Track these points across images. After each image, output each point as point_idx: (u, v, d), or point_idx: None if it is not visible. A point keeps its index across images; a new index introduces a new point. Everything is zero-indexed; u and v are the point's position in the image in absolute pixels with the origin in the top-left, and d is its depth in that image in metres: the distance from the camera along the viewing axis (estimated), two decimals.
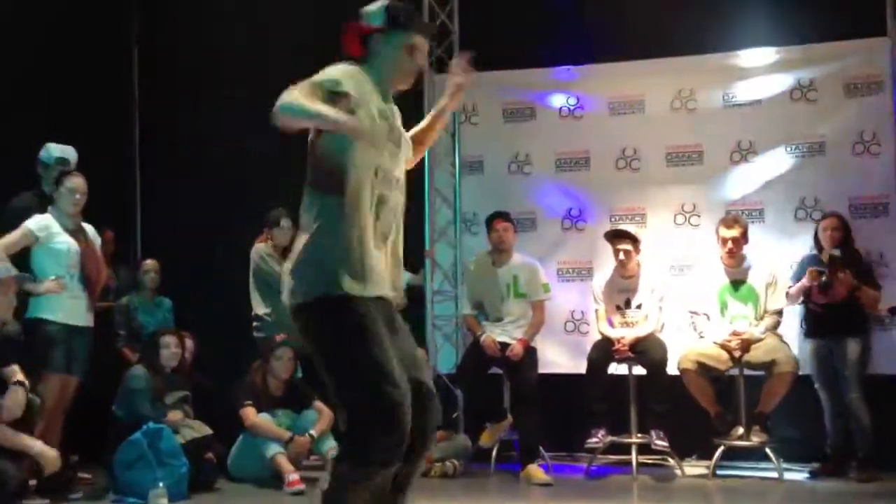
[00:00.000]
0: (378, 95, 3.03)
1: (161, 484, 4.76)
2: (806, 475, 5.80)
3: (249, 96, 7.07)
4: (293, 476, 5.42)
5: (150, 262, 6.62)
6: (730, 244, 5.94)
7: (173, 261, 6.70)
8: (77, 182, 5.37)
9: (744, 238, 5.97)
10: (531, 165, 6.90)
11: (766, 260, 6.07)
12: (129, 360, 6.04)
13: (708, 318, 6.01)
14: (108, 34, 7.28)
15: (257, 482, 5.65)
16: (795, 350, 5.84)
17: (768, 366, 5.70)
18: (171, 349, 5.71)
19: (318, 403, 5.81)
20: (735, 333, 5.78)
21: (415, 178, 6.59)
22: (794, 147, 6.39)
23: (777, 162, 6.43)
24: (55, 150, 5.78)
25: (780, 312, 5.92)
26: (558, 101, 6.89)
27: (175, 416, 5.54)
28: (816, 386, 5.84)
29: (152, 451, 5.10)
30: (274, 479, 5.53)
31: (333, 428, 5.79)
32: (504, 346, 5.98)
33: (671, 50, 6.62)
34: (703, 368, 5.79)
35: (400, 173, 3.09)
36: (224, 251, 6.73)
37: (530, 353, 6.04)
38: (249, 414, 5.68)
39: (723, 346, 5.80)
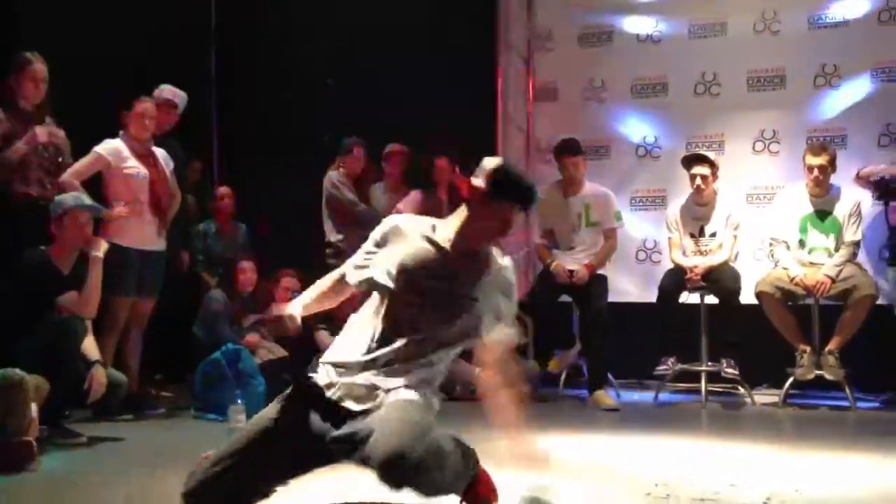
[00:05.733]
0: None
1: (239, 401, 4.93)
2: (878, 405, 5.72)
3: (331, 30, 7.14)
4: None
5: (224, 189, 6.73)
6: (816, 172, 5.75)
7: (251, 189, 6.83)
8: (147, 106, 5.39)
9: (831, 166, 5.77)
10: (607, 91, 6.81)
11: (848, 189, 5.89)
12: (209, 284, 6.24)
13: (788, 246, 5.88)
14: None
15: None
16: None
17: (847, 292, 5.57)
18: (248, 274, 5.89)
19: None
20: (806, 286, 5.63)
21: (485, 105, 6.67)
22: (880, 72, 6.16)
23: (862, 87, 6.21)
24: (167, 92, 5.90)
25: (857, 244, 5.75)
26: (636, 24, 6.75)
27: (252, 338, 5.73)
28: None
29: (231, 371, 5.30)
30: None
31: None
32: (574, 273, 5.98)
33: None
34: (781, 293, 5.69)
35: None
36: (300, 178, 6.82)
37: (601, 281, 6.03)
38: (323, 337, 5.84)
39: (798, 283, 5.68)
